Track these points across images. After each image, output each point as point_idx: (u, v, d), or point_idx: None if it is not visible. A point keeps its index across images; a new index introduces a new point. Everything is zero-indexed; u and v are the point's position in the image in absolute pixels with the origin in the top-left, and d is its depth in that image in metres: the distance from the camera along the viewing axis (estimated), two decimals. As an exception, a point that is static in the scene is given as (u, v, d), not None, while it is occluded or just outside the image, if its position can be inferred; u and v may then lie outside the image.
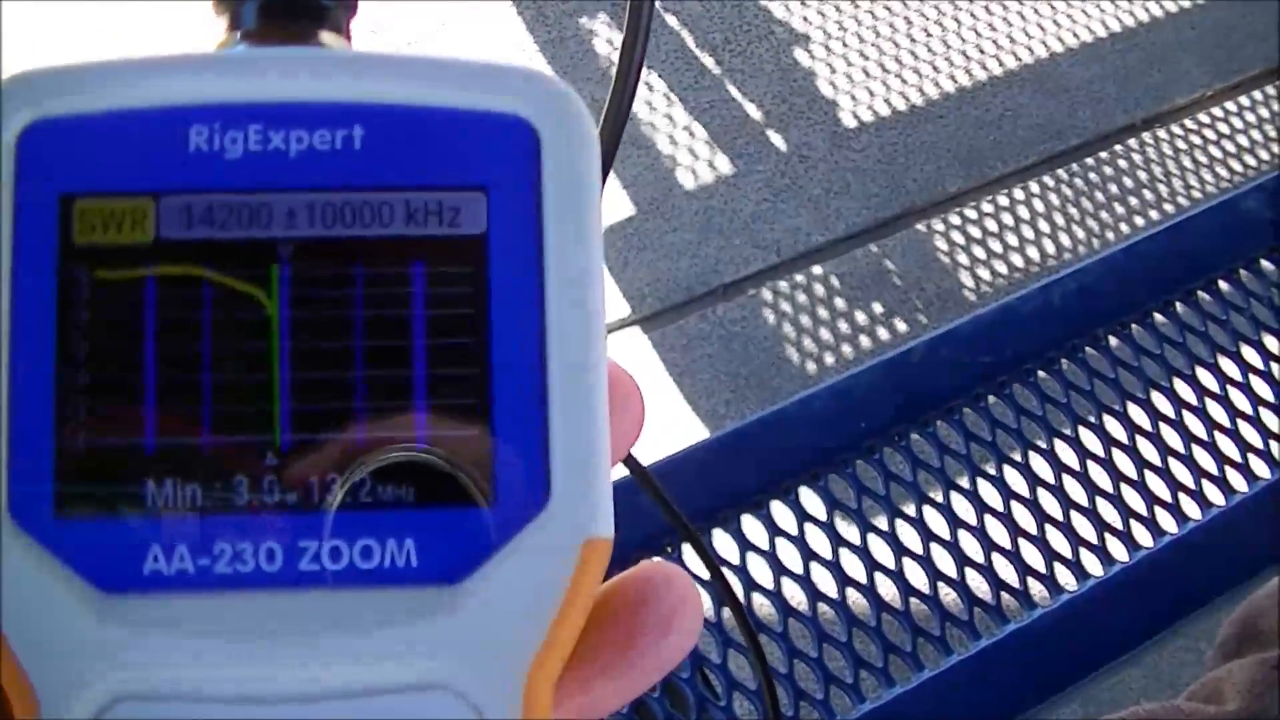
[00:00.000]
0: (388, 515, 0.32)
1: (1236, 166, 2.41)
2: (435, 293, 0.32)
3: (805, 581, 1.00)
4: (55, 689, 0.30)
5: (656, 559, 0.34)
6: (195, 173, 0.32)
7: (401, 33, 2.47)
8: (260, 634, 0.31)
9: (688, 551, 0.99)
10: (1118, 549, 1.03)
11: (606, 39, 2.49)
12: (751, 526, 1.01)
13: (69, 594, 0.31)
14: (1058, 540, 1.04)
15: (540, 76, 0.33)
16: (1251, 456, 1.09)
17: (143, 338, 0.31)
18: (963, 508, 1.04)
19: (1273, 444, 1.10)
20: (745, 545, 1.00)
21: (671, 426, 1.98)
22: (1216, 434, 1.10)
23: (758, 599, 0.99)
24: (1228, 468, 1.08)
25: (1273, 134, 2.47)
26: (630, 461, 0.55)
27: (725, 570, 0.99)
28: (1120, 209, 2.35)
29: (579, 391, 0.32)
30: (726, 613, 0.98)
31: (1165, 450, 1.09)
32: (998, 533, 1.03)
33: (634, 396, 0.35)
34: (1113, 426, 1.10)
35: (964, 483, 1.05)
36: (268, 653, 0.31)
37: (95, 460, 0.31)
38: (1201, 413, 1.11)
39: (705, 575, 0.99)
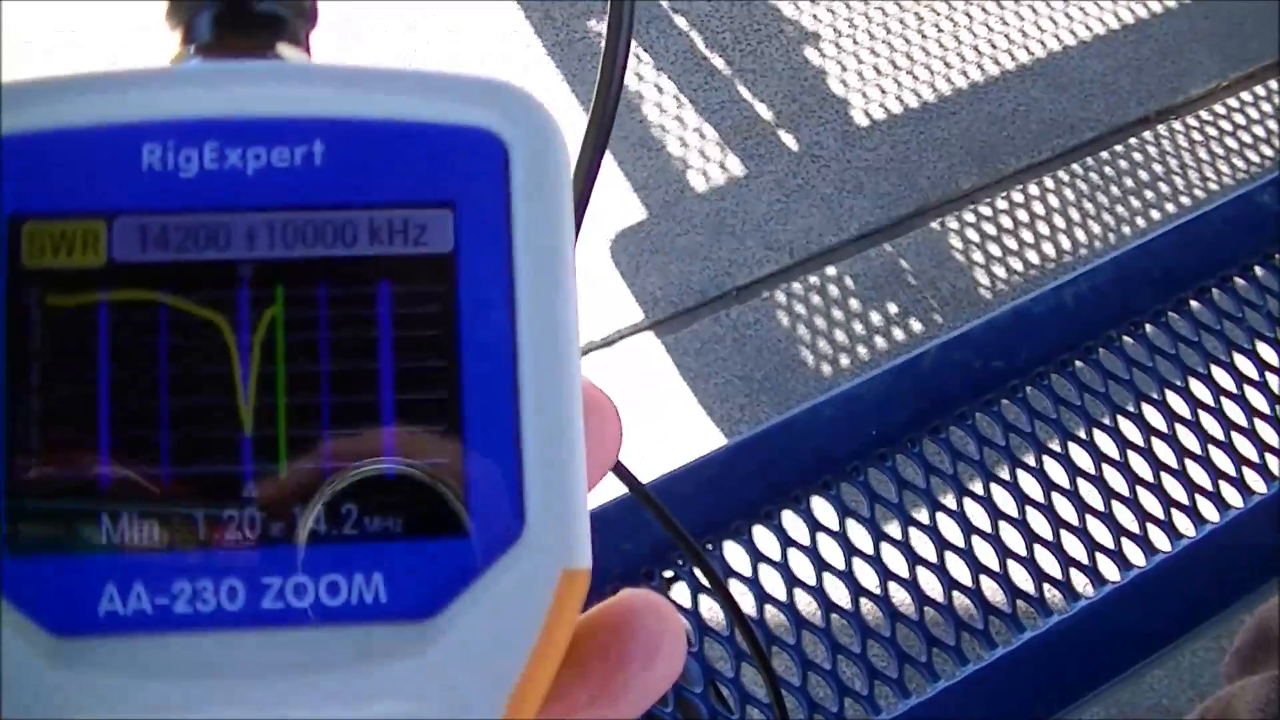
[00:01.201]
0: (355, 549, 0.31)
1: (1253, 158, 2.40)
2: (402, 314, 0.31)
3: (818, 592, 0.99)
4: None
5: (638, 589, 0.33)
6: (149, 193, 0.31)
7: (406, 36, 2.47)
8: (222, 676, 0.30)
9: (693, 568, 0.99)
10: (1135, 553, 1.02)
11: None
12: (763, 537, 1.01)
13: (19, 638, 0.29)
14: (1073, 545, 1.03)
15: (507, 87, 0.32)
16: (1270, 456, 1.08)
17: (96, 366, 0.30)
18: (977, 514, 1.03)
19: (1290, 444, 1.09)
20: (757, 556, 1.00)
21: (686, 431, 1.97)
22: (1233, 434, 1.09)
23: (770, 610, 0.98)
24: (1245, 469, 1.07)
25: (1288, 125, 2.45)
26: (630, 480, 0.54)
27: (736, 582, 0.98)
28: (1135, 203, 2.34)
29: (553, 416, 0.31)
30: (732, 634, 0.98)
31: (1182, 452, 1.08)
32: (1012, 539, 1.03)
33: (610, 417, 0.34)
34: (1127, 429, 1.09)
35: (977, 488, 1.04)
36: (230, 696, 0.30)
37: (47, 494, 0.30)
38: (1218, 413, 1.10)
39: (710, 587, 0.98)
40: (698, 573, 0.99)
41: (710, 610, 0.98)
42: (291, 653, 0.30)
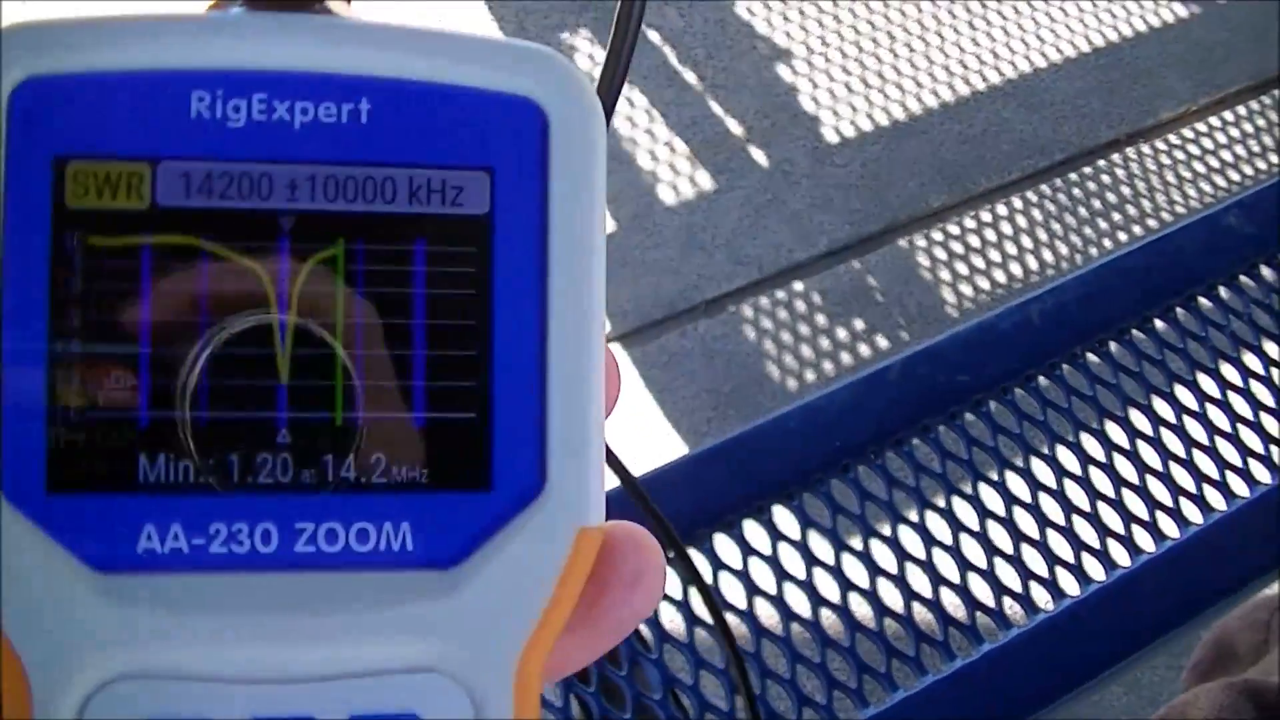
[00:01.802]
0: (384, 498, 0.32)
1: (1220, 181, 2.41)
2: (437, 272, 0.32)
3: (778, 601, 0.99)
4: (48, 668, 0.30)
5: (620, 521, 0.34)
6: (196, 140, 0.31)
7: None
8: (254, 615, 0.31)
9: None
10: (1094, 567, 1.03)
11: (588, 54, 2.49)
12: (724, 545, 1.00)
13: (62, 572, 0.30)
14: (1033, 559, 1.03)
15: (552, 57, 0.33)
16: (1229, 474, 1.08)
17: (137, 308, 0.31)
18: (938, 526, 1.03)
19: (1251, 461, 1.09)
20: (717, 564, 1.00)
21: (652, 444, 1.97)
22: (1194, 451, 1.09)
23: (729, 618, 0.98)
24: (1205, 485, 1.07)
25: (1256, 149, 2.47)
26: (622, 473, 0.55)
27: (693, 590, 0.98)
28: (1104, 224, 2.35)
29: (577, 380, 0.33)
30: (699, 632, 0.98)
31: (1143, 468, 1.08)
32: (973, 551, 1.02)
33: (612, 373, 0.35)
34: (1090, 445, 1.09)
35: (939, 501, 1.04)
36: (261, 633, 0.31)
37: (88, 435, 0.31)
38: (1180, 430, 1.10)
39: (677, 595, 0.98)
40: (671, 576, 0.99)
41: (671, 620, 0.98)
42: (321, 594, 0.31)
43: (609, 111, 0.45)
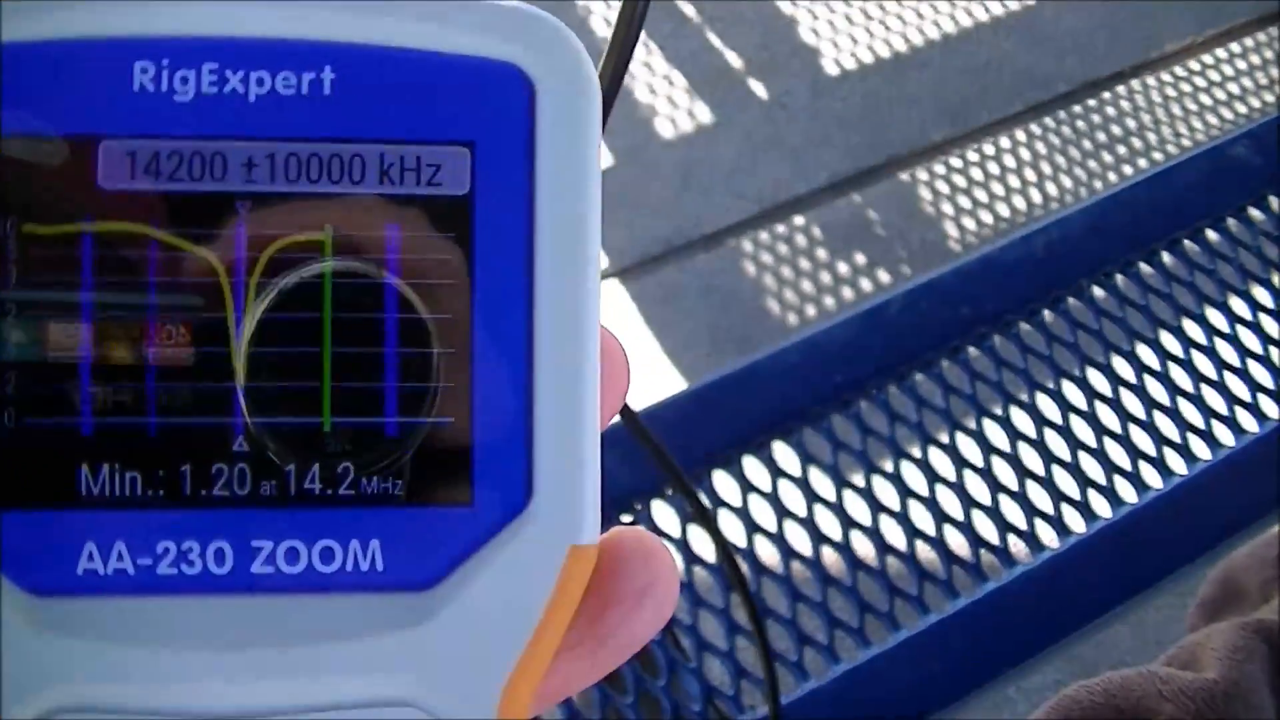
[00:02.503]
0: (352, 513, 0.29)
1: (1226, 114, 2.39)
2: (411, 260, 0.29)
3: (779, 539, 0.97)
4: None
5: (630, 527, 0.31)
6: (140, 116, 0.28)
7: None
8: (206, 645, 0.28)
9: (656, 507, 0.97)
10: (1101, 504, 1.01)
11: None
12: (724, 482, 0.99)
13: None
14: (1039, 496, 1.01)
15: (539, 18, 0.30)
16: (1238, 409, 1.06)
17: (78, 303, 0.28)
18: (941, 462, 1.02)
19: (1261, 397, 1.07)
20: (717, 502, 0.98)
21: (650, 380, 1.95)
22: (1203, 386, 1.08)
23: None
24: (1214, 421, 1.06)
25: (1263, 82, 2.45)
26: (625, 411, 0.52)
27: (695, 527, 0.97)
28: (1108, 157, 2.33)
29: (569, 380, 0.30)
30: (698, 571, 0.96)
31: (1150, 403, 1.06)
32: (977, 489, 1.01)
33: (619, 362, 0.32)
34: (1096, 379, 1.07)
35: (942, 437, 1.03)
36: (214, 665, 0.28)
37: (24, 444, 0.28)
38: (1187, 365, 1.09)
39: (675, 533, 0.97)
40: (660, 516, 0.98)
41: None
42: (281, 621, 0.29)
43: (613, 96, 0.42)
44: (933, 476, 1.01)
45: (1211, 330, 1.11)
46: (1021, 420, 1.05)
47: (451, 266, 0.29)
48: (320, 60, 0.29)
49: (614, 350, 0.32)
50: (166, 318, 0.28)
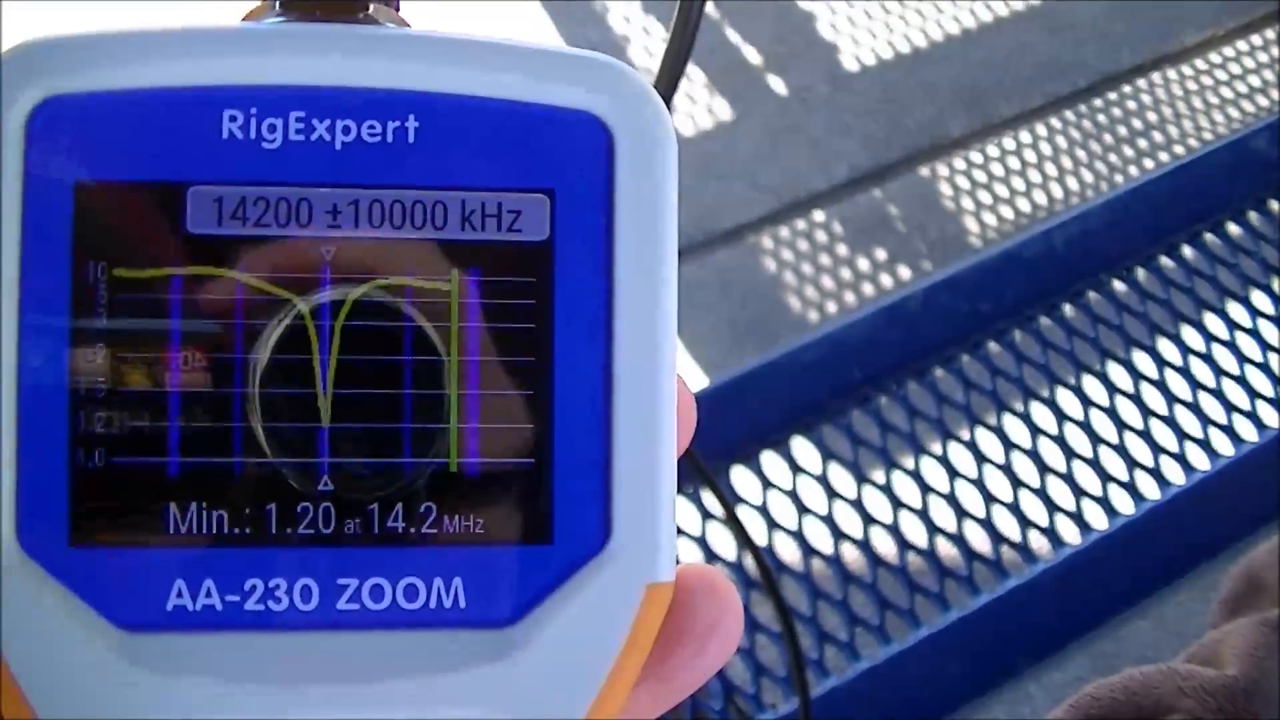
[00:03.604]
0: (435, 552, 0.30)
1: (1248, 107, 2.38)
2: (492, 305, 0.30)
3: (798, 536, 0.97)
4: None
5: (696, 564, 0.32)
6: (228, 163, 0.29)
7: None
8: (294, 681, 0.29)
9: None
10: (1122, 500, 1.01)
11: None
12: (743, 478, 0.99)
13: (86, 632, 0.28)
14: (1060, 491, 1.01)
15: (617, 67, 0.31)
16: (1260, 404, 1.06)
17: (166, 345, 0.29)
18: (961, 459, 1.02)
19: (1282, 391, 1.07)
20: (736, 498, 0.98)
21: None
22: (1224, 381, 1.07)
23: (747, 554, 0.97)
24: (1235, 415, 1.05)
25: (1284, 74, 2.44)
26: None
27: (714, 524, 0.97)
28: (1129, 151, 2.32)
29: (646, 422, 0.30)
30: (718, 568, 0.96)
31: (1171, 398, 1.06)
32: (998, 484, 1.01)
33: (686, 406, 0.32)
34: (1117, 374, 1.07)
35: (963, 433, 1.03)
36: (301, 701, 0.29)
37: (113, 483, 0.29)
38: (1208, 359, 1.08)
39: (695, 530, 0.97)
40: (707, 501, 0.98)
41: (686, 552, 0.97)
42: (366, 658, 0.29)
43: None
44: (953, 472, 1.01)
45: (1232, 324, 1.10)
46: (1042, 415, 1.04)
47: (532, 311, 0.30)
48: (404, 109, 0.30)
49: (683, 396, 0.32)
50: (252, 361, 0.29)
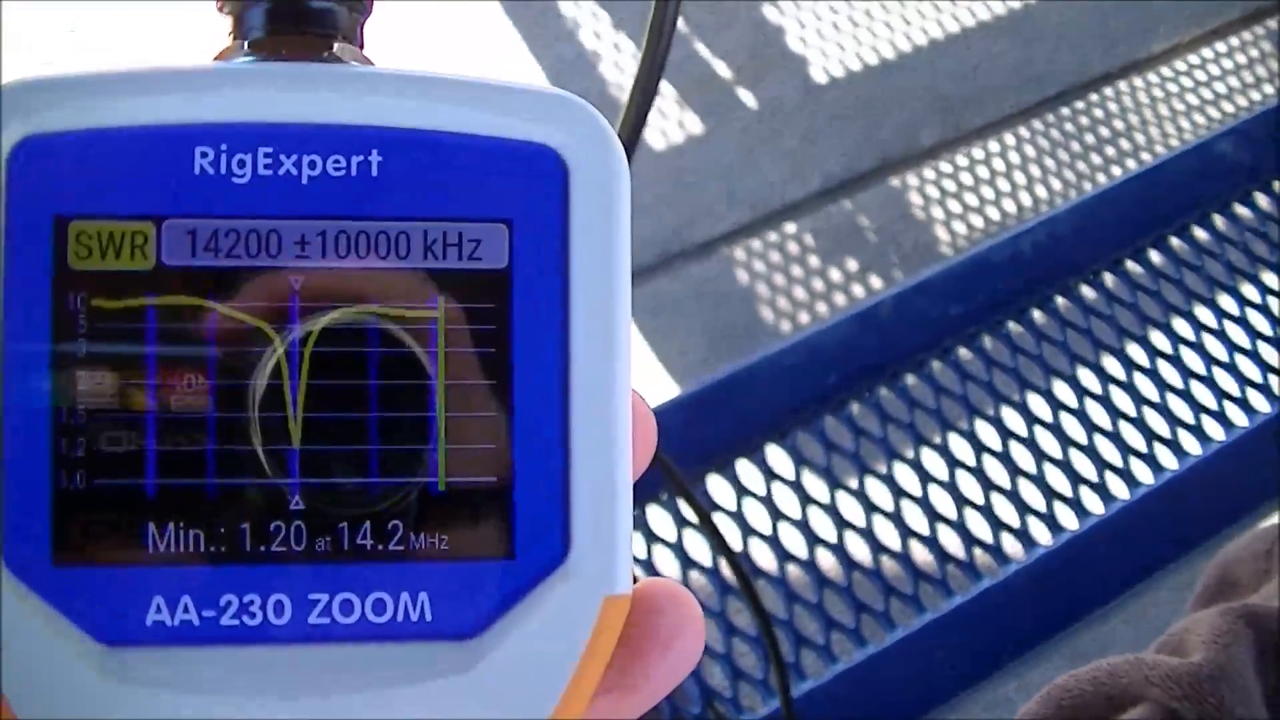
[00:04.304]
0: (402, 567, 0.31)
1: (1214, 114, 2.39)
2: (454, 330, 0.31)
3: (773, 541, 0.98)
4: None
5: (658, 578, 0.33)
6: (200, 197, 0.31)
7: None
8: (268, 692, 0.30)
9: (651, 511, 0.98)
10: (1092, 501, 1.02)
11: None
12: (718, 486, 1.00)
13: (70, 647, 0.30)
14: (1031, 493, 1.02)
15: (572, 102, 0.32)
16: (1228, 404, 1.07)
17: (143, 371, 0.30)
18: (934, 462, 1.03)
19: (1249, 390, 1.08)
20: (712, 505, 0.99)
21: (645, 387, 1.95)
22: (1192, 381, 1.08)
23: (722, 560, 0.97)
24: (1204, 415, 1.06)
25: (1250, 80, 2.45)
26: None
27: (690, 530, 0.97)
28: (1098, 158, 2.33)
29: (603, 441, 0.32)
30: (694, 575, 0.97)
31: (1140, 399, 1.07)
32: (970, 487, 1.02)
33: (646, 424, 0.34)
34: (1086, 377, 1.08)
35: (935, 437, 1.04)
36: (275, 710, 0.30)
37: (94, 504, 0.30)
38: (1177, 361, 1.10)
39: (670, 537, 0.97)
40: (683, 509, 0.98)
41: (667, 568, 0.97)
42: (337, 670, 0.30)
43: (629, 153, 0.45)
44: (925, 476, 1.02)
45: (1200, 326, 1.12)
46: (1012, 418, 1.05)
47: (491, 336, 0.31)
48: (368, 144, 0.31)
49: (643, 413, 0.34)
50: (225, 386, 0.30)
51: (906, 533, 0.99)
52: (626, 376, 0.32)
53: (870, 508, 1.00)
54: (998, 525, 1.00)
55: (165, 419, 0.30)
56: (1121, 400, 1.07)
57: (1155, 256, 1.15)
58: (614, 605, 0.32)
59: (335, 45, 0.33)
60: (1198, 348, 1.10)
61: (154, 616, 0.30)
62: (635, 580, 0.33)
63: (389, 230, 0.31)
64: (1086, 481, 1.03)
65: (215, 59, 0.33)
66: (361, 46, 0.34)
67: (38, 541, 0.30)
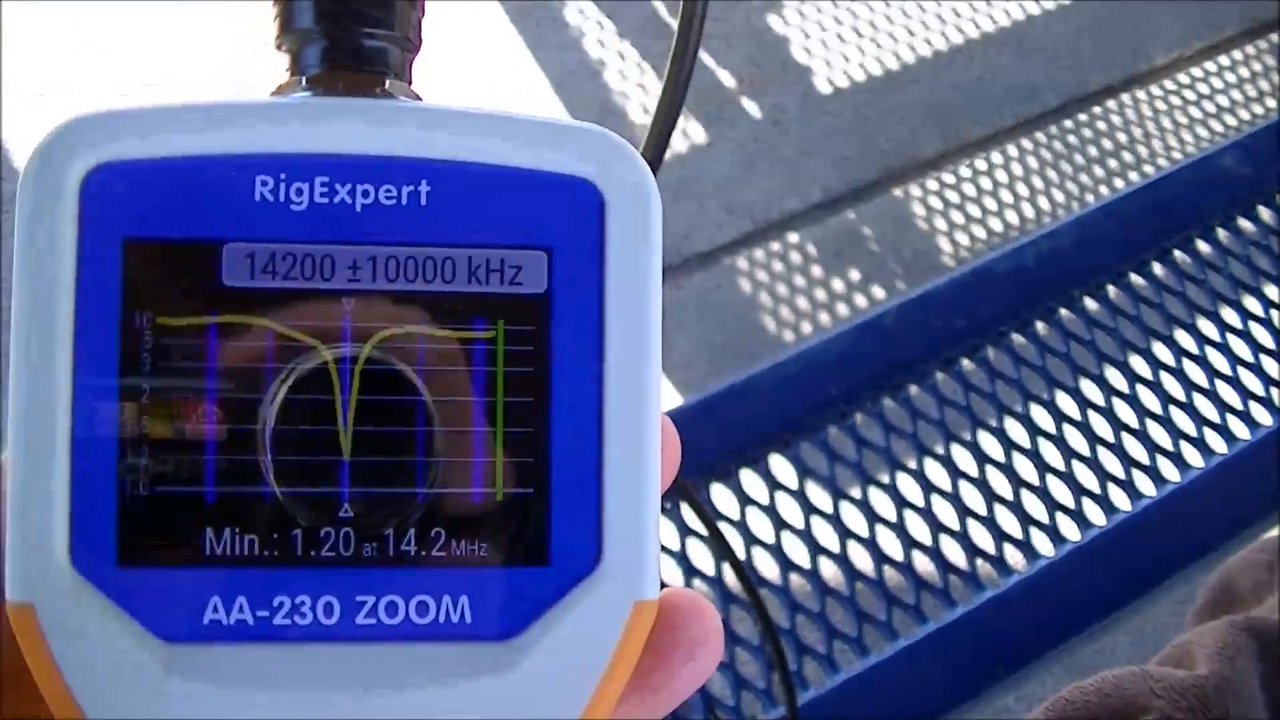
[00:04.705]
0: (444, 572, 0.33)
1: (1217, 127, 2.40)
2: (495, 350, 0.33)
3: (776, 551, 0.98)
4: None
5: (680, 587, 0.34)
6: (260, 222, 0.32)
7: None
8: (317, 687, 0.32)
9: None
10: (1095, 513, 1.02)
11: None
12: (722, 495, 1.00)
13: (133, 644, 0.31)
14: (1034, 505, 1.02)
15: (608, 137, 0.34)
16: (1230, 417, 1.07)
17: (203, 385, 0.32)
18: (937, 473, 1.03)
19: (1252, 404, 1.08)
20: (716, 514, 0.99)
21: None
22: (1194, 394, 1.08)
23: (726, 569, 0.97)
24: (1206, 429, 1.07)
25: (1253, 94, 2.45)
26: None
27: (695, 540, 0.97)
28: (1099, 171, 2.33)
29: (633, 455, 0.33)
30: (697, 584, 0.97)
31: (1142, 411, 1.07)
32: (973, 498, 1.02)
33: (670, 442, 0.35)
34: (1089, 389, 1.08)
35: (938, 448, 1.04)
36: (324, 706, 0.32)
37: (156, 510, 0.32)
38: (1179, 374, 1.10)
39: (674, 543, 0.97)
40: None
41: (670, 576, 0.97)
42: (382, 667, 0.32)
43: (663, 146, 0.49)
44: (928, 486, 1.02)
45: (1203, 339, 1.12)
46: (1015, 430, 1.05)
47: (531, 356, 0.33)
48: (418, 175, 0.33)
49: (669, 431, 0.35)
50: (281, 400, 0.32)
51: (909, 543, 0.99)
52: (657, 395, 0.34)
53: (873, 518, 1.00)
54: (1000, 536, 1.01)
55: (224, 430, 0.32)
56: (1124, 412, 1.07)
57: (1158, 269, 1.15)
58: (643, 610, 0.33)
59: (387, 82, 0.35)
60: (1200, 360, 1.10)
61: (211, 615, 0.32)
62: (663, 586, 0.35)
63: (436, 256, 0.33)
64: (1088, 493, 1.03)
65: (273, 93, 0.35)
66: (410, 83, 0.36)
67: (103, 545, 0.32)
